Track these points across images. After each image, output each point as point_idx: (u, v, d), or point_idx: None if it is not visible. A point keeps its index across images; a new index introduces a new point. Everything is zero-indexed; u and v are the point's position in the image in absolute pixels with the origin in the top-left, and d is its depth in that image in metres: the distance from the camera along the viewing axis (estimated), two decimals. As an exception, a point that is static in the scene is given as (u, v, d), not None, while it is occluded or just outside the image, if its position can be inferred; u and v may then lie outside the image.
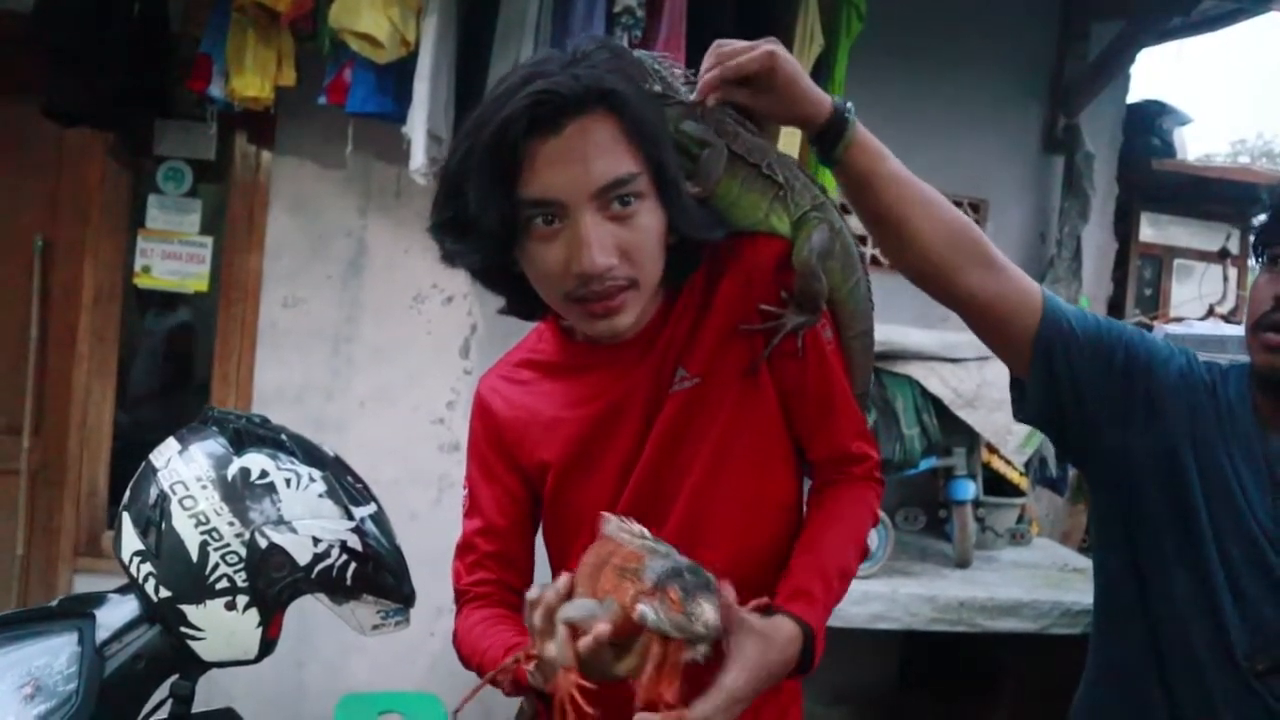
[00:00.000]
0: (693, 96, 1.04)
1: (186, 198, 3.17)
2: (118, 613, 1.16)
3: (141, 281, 3.15)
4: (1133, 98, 4.15)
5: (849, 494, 1.15)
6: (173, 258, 3.16)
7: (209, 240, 3.18)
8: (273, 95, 2.74)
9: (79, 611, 1.16)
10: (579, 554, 1.05)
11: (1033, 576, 3.03)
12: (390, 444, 3.21)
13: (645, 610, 0.81)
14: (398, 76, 2.73)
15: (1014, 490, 3.37)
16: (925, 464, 3.05)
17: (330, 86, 2.79)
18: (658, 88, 1.05)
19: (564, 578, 0.91)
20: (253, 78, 2.68)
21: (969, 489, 3.04)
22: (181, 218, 3.17)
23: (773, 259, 1.09)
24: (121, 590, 1.19)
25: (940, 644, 2.52)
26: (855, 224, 1.20)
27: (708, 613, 0.80)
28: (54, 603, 1.21)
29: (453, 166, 0.99)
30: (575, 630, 0.86)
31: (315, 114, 2.92)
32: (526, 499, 1.17)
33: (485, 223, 0.95)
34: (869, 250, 2.78)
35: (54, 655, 1.11)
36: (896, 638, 3.16)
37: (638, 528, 0.90)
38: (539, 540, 1.24)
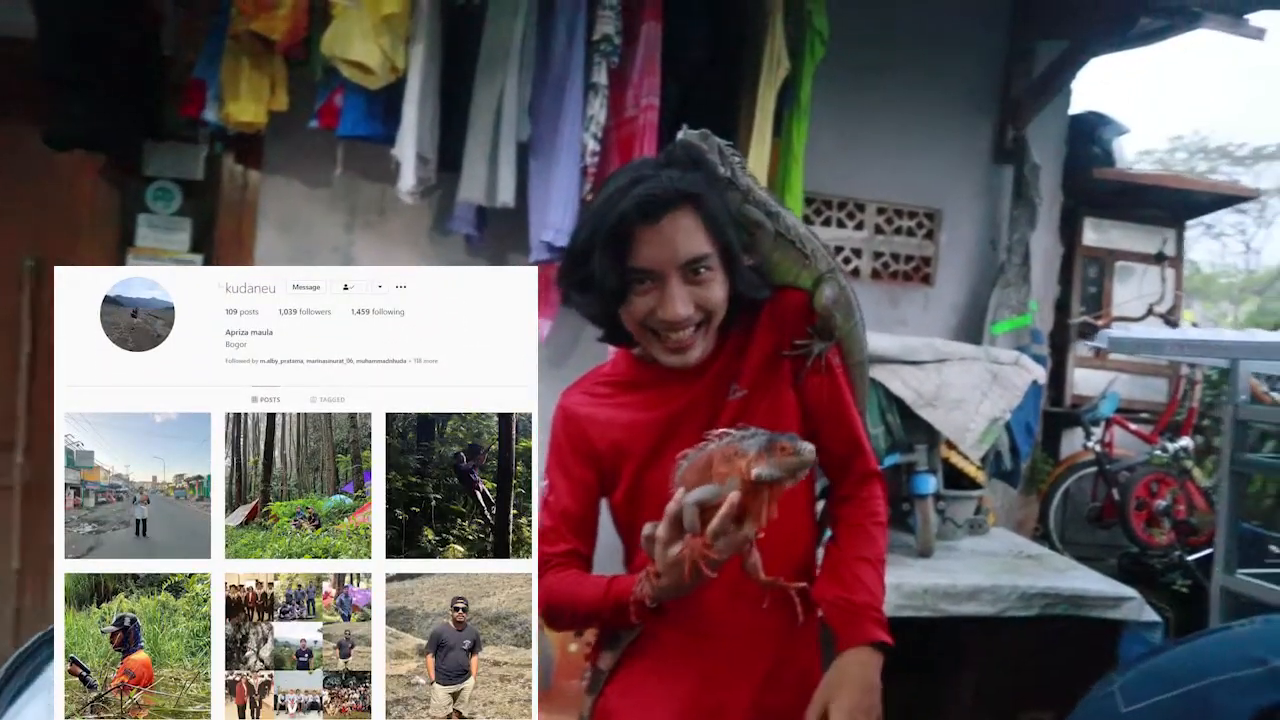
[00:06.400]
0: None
1: (176, 216, 3.26)
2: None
3: (132, 298, 3.22)
4: (1075, 108, 4.39)
5: (869, 508, 1.50)
6: (163, 275, 3.24)
7: (198, 258, 3.26)
8: (266, 119, 2.84)
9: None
10: None
11: (990, 563, 3.23)
12: (379, 452, 3.31)
13: (760, 471, 1.07)
14: (387, 101, 2.85)
15: (971, 484, 3.57)
16: (889, 460, 3.24)
17: (322, 111, 2.90)
18: (726, 172, 1.42)
19: (679, 492, 1.18)
20: (248, 103, 2.78)
21: (930, 483, 3.23)
22: (171, 236, 3.25)
23: (800, 306, 1.49)
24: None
25: (908, 627, 2.70)
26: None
27: (806, 446, 1.08)
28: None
29: (579, 244, 1.37)
30: (703, 509, 1.12)
31: (302, 134, 3.02)
32: (596, 490, 1.50)
33: (606, 283, 1.34)
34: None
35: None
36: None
37: (719, 430, 1.17)
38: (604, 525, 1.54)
